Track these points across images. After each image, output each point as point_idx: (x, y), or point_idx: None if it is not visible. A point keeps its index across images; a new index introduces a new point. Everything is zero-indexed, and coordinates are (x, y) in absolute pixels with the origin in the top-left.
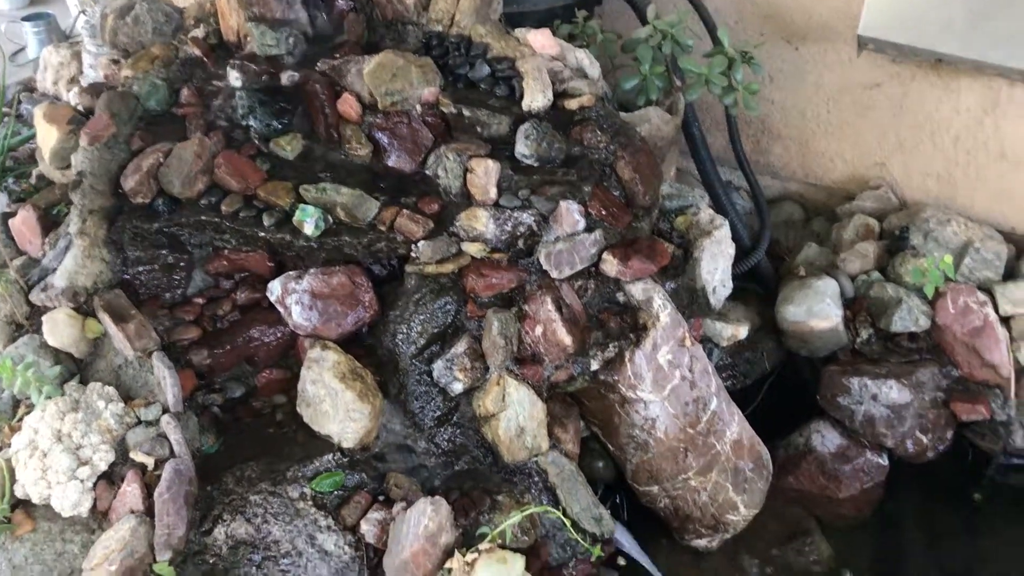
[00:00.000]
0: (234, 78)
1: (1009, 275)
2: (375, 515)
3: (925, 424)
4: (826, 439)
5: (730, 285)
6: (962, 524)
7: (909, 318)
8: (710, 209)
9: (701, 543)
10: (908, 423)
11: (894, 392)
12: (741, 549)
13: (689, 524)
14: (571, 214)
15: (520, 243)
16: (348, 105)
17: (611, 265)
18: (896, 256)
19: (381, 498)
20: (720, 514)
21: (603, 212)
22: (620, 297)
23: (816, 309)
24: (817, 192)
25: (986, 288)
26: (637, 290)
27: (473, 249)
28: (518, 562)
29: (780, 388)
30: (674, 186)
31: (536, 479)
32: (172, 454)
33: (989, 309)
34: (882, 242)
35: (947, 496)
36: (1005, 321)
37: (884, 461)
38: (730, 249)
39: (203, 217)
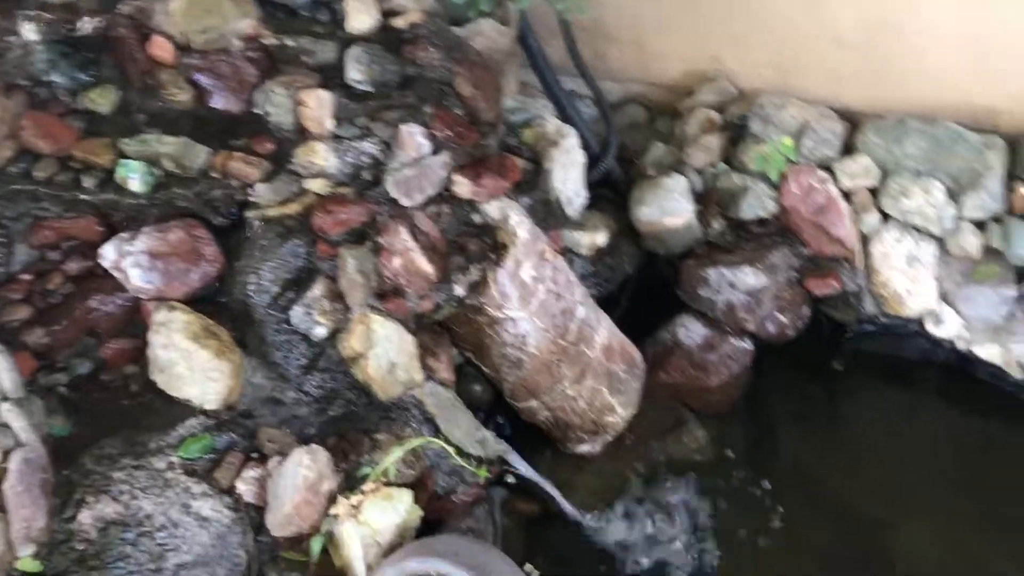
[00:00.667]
0: (29, 31)
1: (846, 151)
2: (251, 473)
3: (783, 304)
4: (691, 332)
5: (585, 194)
6: (826, 394)
7: (757, 204)
8: (556, 120)
9: (584, 448)
10: (766, 306)
11: (750, 277)
12: (623, 448)
13: (571, 432)
14: (414, 138)
15: (365, 174)
16: (160, 48)
17: (463, 186)
18: (739, 145)
19: (255, 455)
20: (599, 418)
21: (448, 132)
22: (476, 218)
23: (668, 207)
24: (658, 92)
25: (826, 166)
26: (493, 209)
27: (316, 186)
28: (405, 496)
29: (644, 289)
30: (517, 99)
31: (414, 412)
32: (18, 443)
33: (831, 186)
34: (725, 133)
35: (811, 370)
36: (846, 196)
37: (748, 345)
38: (580, 158)
39: (15, 186)
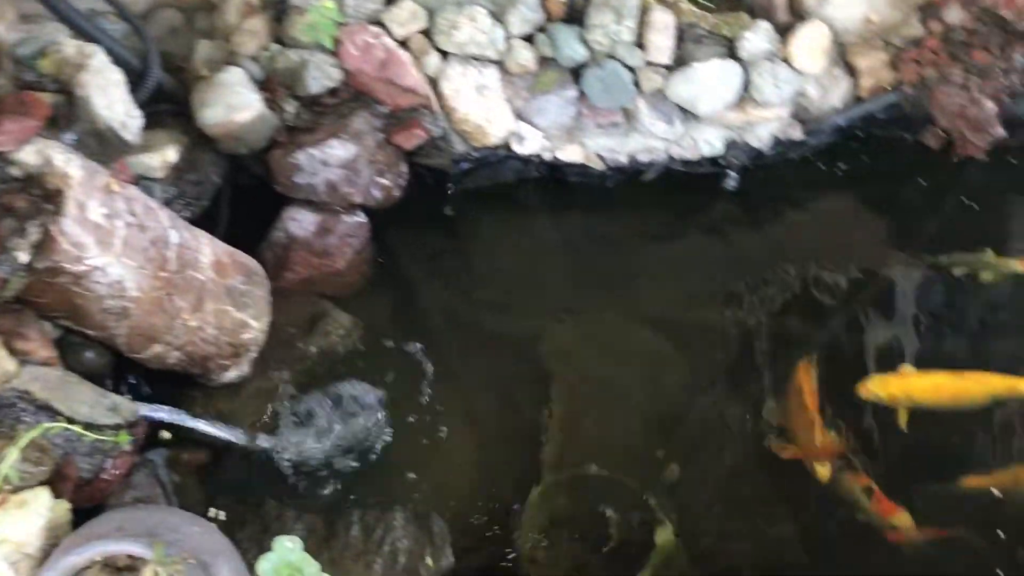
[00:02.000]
0: None
1: (389, 1)
2: None
3: (380, 168)
4: (302, 222)
5: (139, 114)
6: (449, 240)
7: (322, 76)
8: (75, 41)
9: (233, 374)
10: (365, 174)
11: (339, 150)
12: (273, 359)
13: (211, 363)
14: None
15: None
16: None
17: None
18: (284, 21)
19: None
20: (235, 339)
21: None
22: (14, 171)
23: (233, 102)
24: None
25: (375, 20)
26: (29, 155)
27: None
28: (41, 496)
29: (245, 194)
30: (22, 30)
31: (22, 405)
32: None
33: (386, 39)
34: (267, 13)
35: (428, 222)
36: (403, 44)
37: (362, 218)
38: (117, 76)
39: None
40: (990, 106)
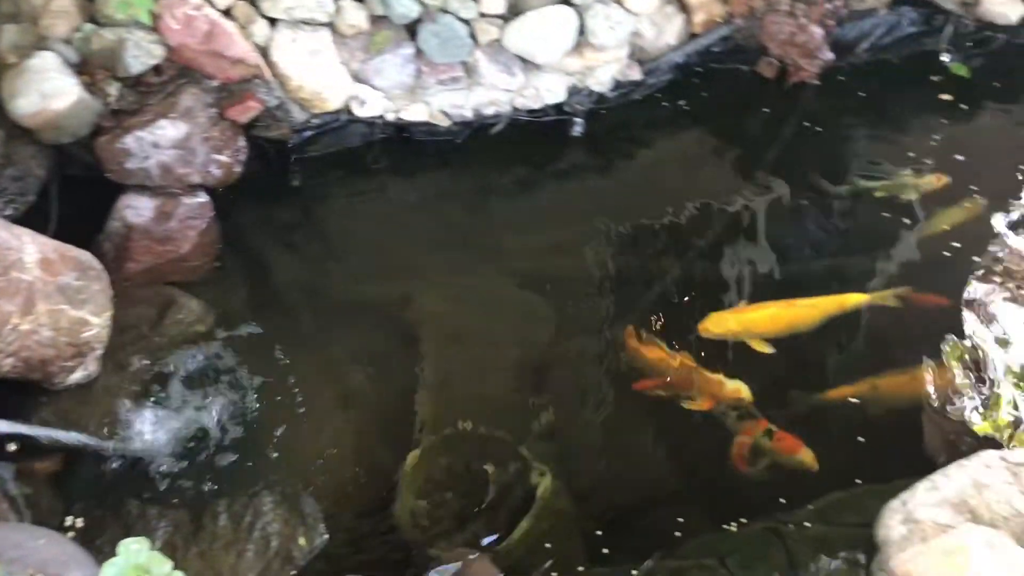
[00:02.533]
0: None
1: None
2: None
3: (216, 144)
4: (139, 209)
5: None
6: (297, 212)
7: (143, 54)
8: None
9: (78, 376)
10: (200, 152)
11: (170, 130)
12: (121, 355)
13: (52, 367)
14: None
15: None
16: None
17: None
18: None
19: None
20: (75, 338)
21: None
22: None
23: (47, 89)
24: None
25: None
26: None
27: None
28: None
29: (76, 185)
30: None
31: None
32: None
33: (209, 10)
34: None
35: (274, 195)
36: (227, 13)
37: (203, 198)
38: None
39: None
40: (818, 31)
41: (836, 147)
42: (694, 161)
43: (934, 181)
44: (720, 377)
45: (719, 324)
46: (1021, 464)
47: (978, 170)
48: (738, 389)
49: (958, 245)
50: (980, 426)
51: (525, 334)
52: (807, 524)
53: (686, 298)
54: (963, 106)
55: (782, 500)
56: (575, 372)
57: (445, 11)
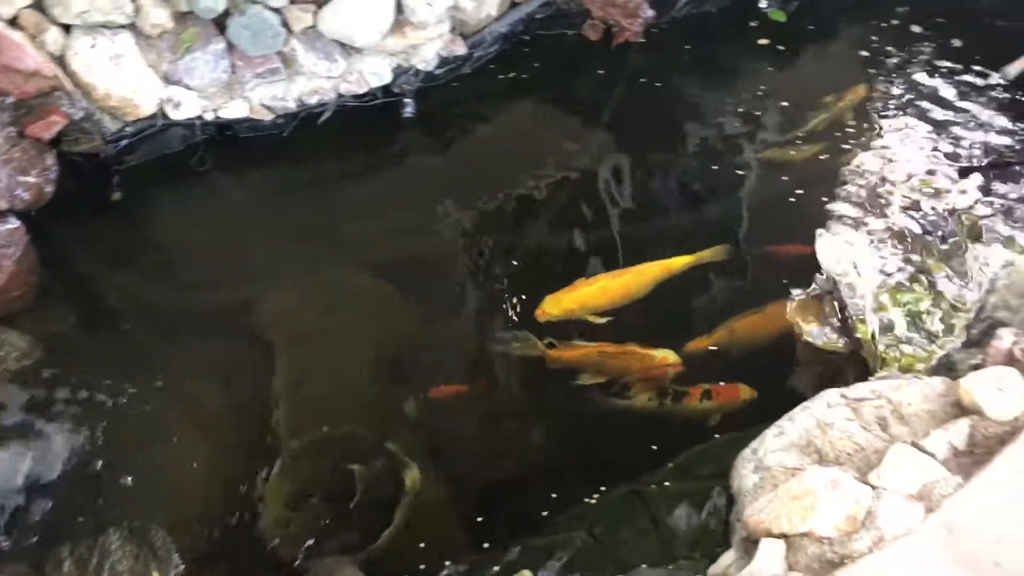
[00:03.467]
0: None
1: None
2: None
3: (21, 165)
4: None
5: None
6: (123, 225)
7: None
8: None
9: None
10: (2, 176)
11: None
12: None
13: None
14: None
15: None
16: None
17: None
18: None
19: None
20: None
21: None
22: None
23: None
24: None
25: None
26: None
27: None
28: None
29: None
30: None
31: None
32: None
33: None
34: None
35: (94, 212)
36: (13, 23)
37: (14, 223)
38: None
39: None
40: None
41: (671, 103)
42: (532, 130)
43: (857, 93)
44: (647, 351)
45: (555, 306)
46: (860, 399)
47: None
48: (666, 356)
49: (801, 191)
50: (838, 345)
51: (380, 324)
52: (667, 483)
53: (536, 272)
54: (781, 48)
55: (645, 461)
56: (436, 357)
57: (253, 1)
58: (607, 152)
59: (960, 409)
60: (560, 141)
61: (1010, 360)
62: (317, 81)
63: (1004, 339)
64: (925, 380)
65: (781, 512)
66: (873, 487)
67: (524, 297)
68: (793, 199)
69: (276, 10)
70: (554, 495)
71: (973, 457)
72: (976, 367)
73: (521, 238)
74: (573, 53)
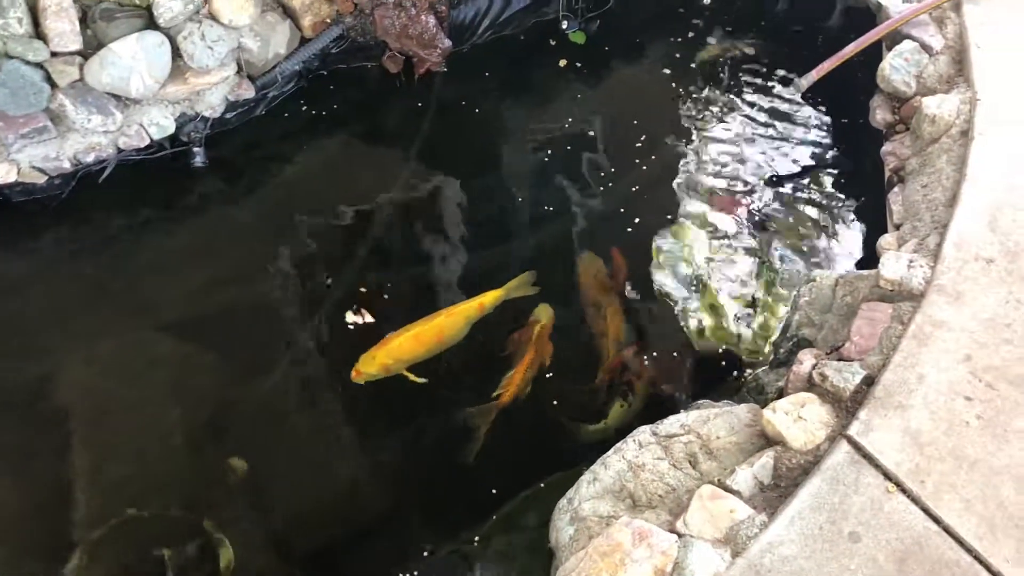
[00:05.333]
0: None
1: None
2: None
3: None
4: None
5: None
6: None
7: None
8: None
9: None
10: None
11: None
12: None
13: None
14: None
15: None
16: None
17: None
18: None
19: None
20: None
21: None
22: None
23: None
24: None
25: None
26: None
27: None
28: None
29: None
30: None
31: None
32: None
33: None
34: None
35: None
36: None
37: None
38: None
39: None
40: (431, 20)
41: (478, 130)
42: (340, 166)
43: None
44: (529, 333)
45: (369, 364)
46: (670, 436)
47: (609, 127)
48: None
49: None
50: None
51: (186, 389)
52: (490, 538)
53: (350, 316)
54: (581, 67)
55: (469, 517)
56: (254, 413)
57: (8, 56)
58: (418, 184)
59: (765, 439)
60: (368, 175)
61: (810, 384)
62: (93, 137)
63: (804, 363)
64: (732, 410)
65: (592, 571)
66: (680, 535)
67: (337, 344)
68: (602, 221)
69: (38, 65)
70: (378, 558)
71: (778, 491)
72: (781, 391)
73: (336, 281)
74: (376, 86)
